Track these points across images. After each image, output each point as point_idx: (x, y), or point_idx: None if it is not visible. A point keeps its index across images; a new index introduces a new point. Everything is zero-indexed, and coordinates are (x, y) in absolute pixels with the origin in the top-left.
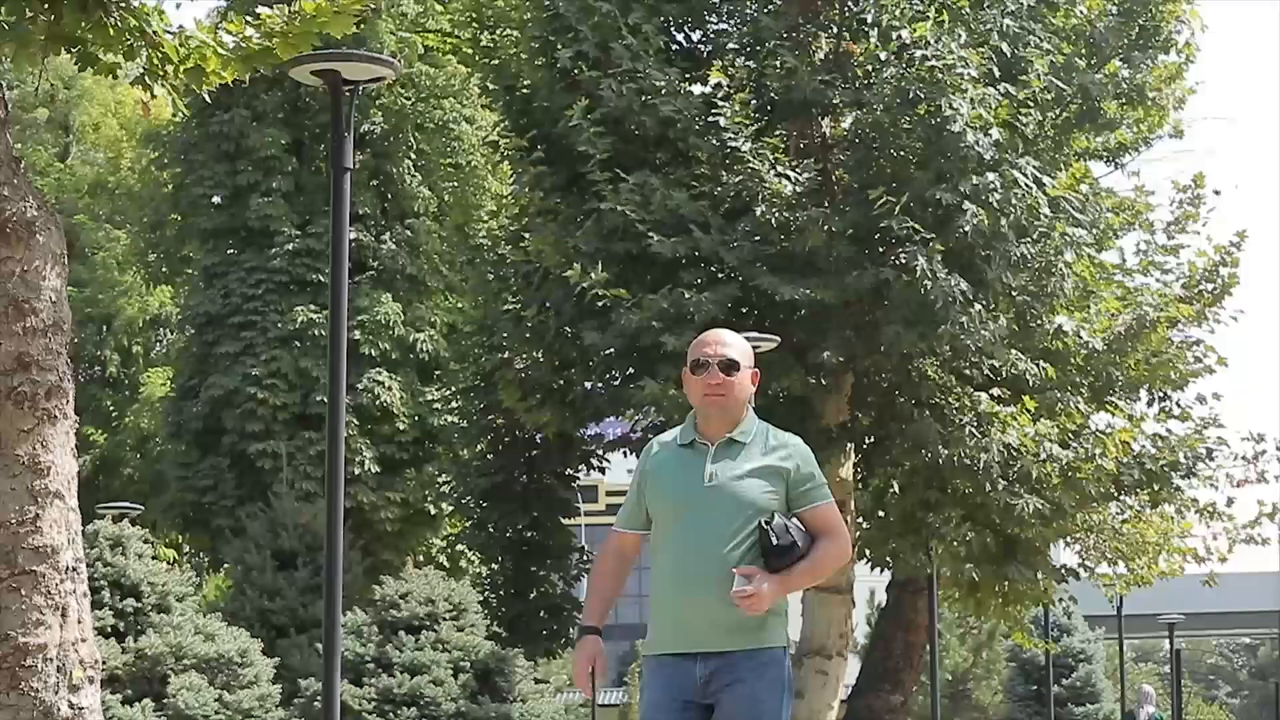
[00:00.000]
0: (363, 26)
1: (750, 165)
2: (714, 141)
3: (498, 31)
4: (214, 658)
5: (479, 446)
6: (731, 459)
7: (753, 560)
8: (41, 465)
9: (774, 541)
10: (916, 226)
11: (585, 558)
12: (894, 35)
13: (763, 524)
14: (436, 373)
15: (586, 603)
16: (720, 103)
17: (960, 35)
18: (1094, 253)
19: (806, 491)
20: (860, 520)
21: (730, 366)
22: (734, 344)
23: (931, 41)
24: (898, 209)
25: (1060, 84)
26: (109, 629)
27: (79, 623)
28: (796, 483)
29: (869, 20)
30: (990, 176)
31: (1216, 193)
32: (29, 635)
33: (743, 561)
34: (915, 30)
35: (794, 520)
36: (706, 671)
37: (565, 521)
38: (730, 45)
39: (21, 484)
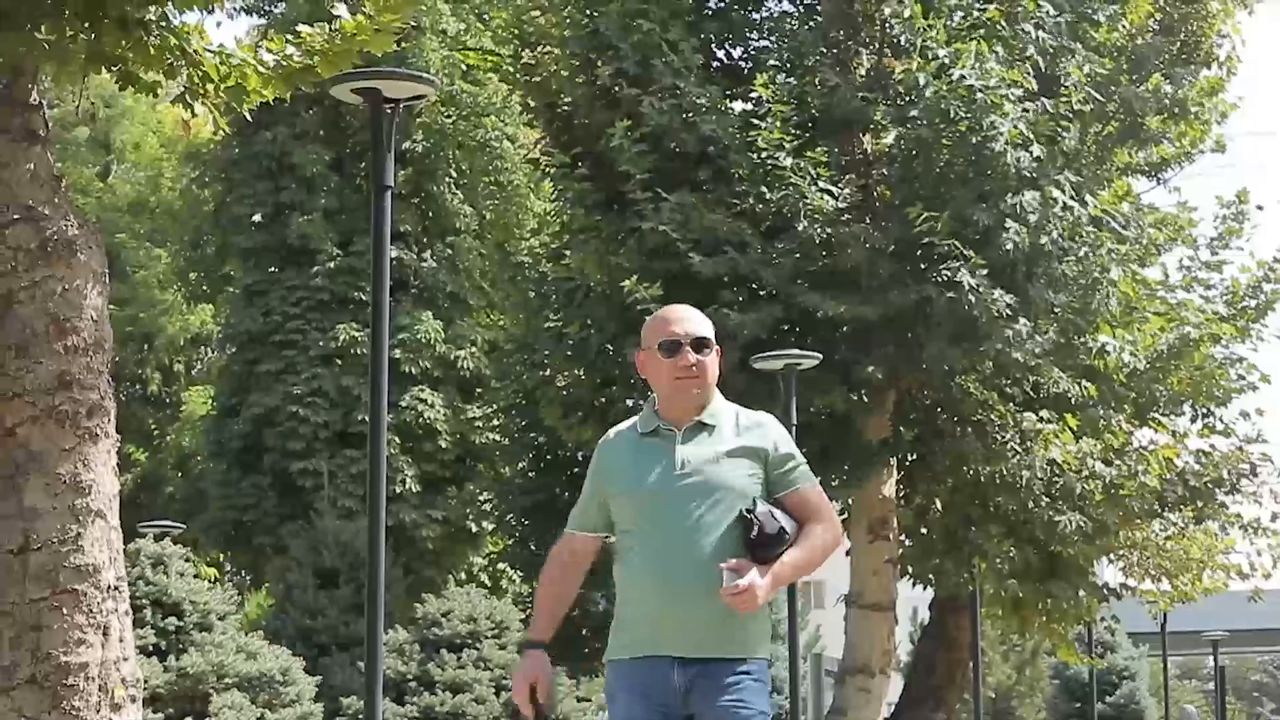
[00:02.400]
0: (405, 45)
1: (791, 182)
2: (755, 159)
3: (538, 49)
4: (256, 676)
5: (520, 464)
6: (702, 444)
7: (736, 552)
8: (83, 484)
9: (758, 531)
10: (958, 244)
11: None
12: (932, 56)
13: (744, 512)
14: (478, 390)
15: (534, 617)
16: (758, 120)
17: (998, 51)
18: (1137, 269)
19: (788, 473)
20: (903, 537)
21: (703, 345)
22: (701, 320)
23: (970, 64)
24: (939, 225)
25: (1098, 95)
26: (151, 648)
27: (121, 641)
28: (776, 463)
29: (904, 43)
30: (1030, 195)
31: (1259, 208)
32: (71, 654)
33: (726, 553)
34: (960, 62)
35: (775, 506)
36: (686, 680)
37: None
38: (771, 62)
39: (63, 503)
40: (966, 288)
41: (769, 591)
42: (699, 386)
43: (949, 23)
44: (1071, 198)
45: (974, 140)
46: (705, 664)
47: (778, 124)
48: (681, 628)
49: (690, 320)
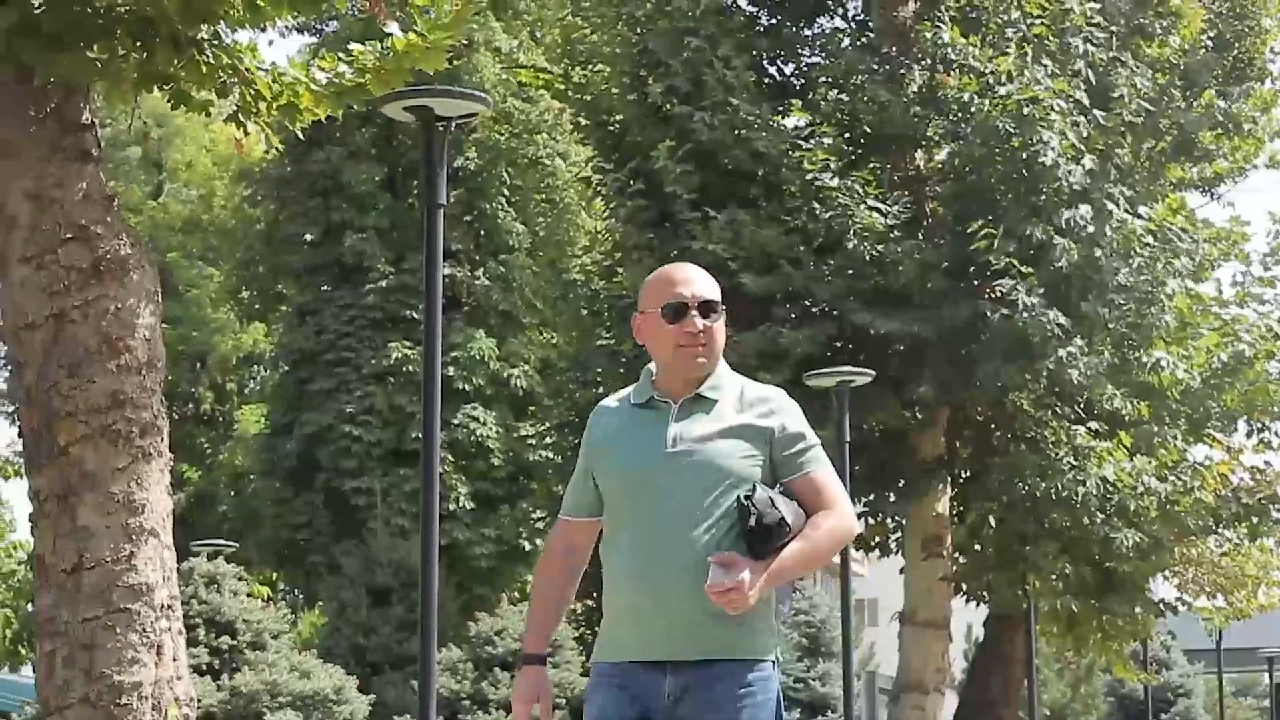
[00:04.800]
0: (458, 62)
1: (840, 202)
2: (805, 176)
3: (589, 67)
4: (309, 695)
5: None
6: (699, 419)
7: (732, 544)
8: (136, 503)
9: (756, 520)
10: (1013, 260)
11: None
12: (980, 73)
13: (741, 499)
14: (530, 408)
15: (528, 622)
16: (804, 142)
17: (1046, 64)
18: (1192, 284)
19: (796, 455)
20: (957, 554)
21: (710, 309)
22: (708, 281)
23: (1015, 75)
24: (996, 242)
25: (1148, 105)
26: (204, 666)
27: (174, 660)
28: (783, 444)
29: (951, 58)
30: (1083, 208)
31: None
32: (124, 673)
33: (719, 545)
34: (1000, 67)
35: (779, 492)
36: (677, 687)
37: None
38: (822, 79)
39: (116, 522)
40: (1022, 306)
41: (764, 588)
42: (705, 355)
43: (995, 39)
44: (1126, 211)
45: (1024, 155)
46: (698, 667)
47: (825, 143)
48: (668, 628)
49: (697, 281)
